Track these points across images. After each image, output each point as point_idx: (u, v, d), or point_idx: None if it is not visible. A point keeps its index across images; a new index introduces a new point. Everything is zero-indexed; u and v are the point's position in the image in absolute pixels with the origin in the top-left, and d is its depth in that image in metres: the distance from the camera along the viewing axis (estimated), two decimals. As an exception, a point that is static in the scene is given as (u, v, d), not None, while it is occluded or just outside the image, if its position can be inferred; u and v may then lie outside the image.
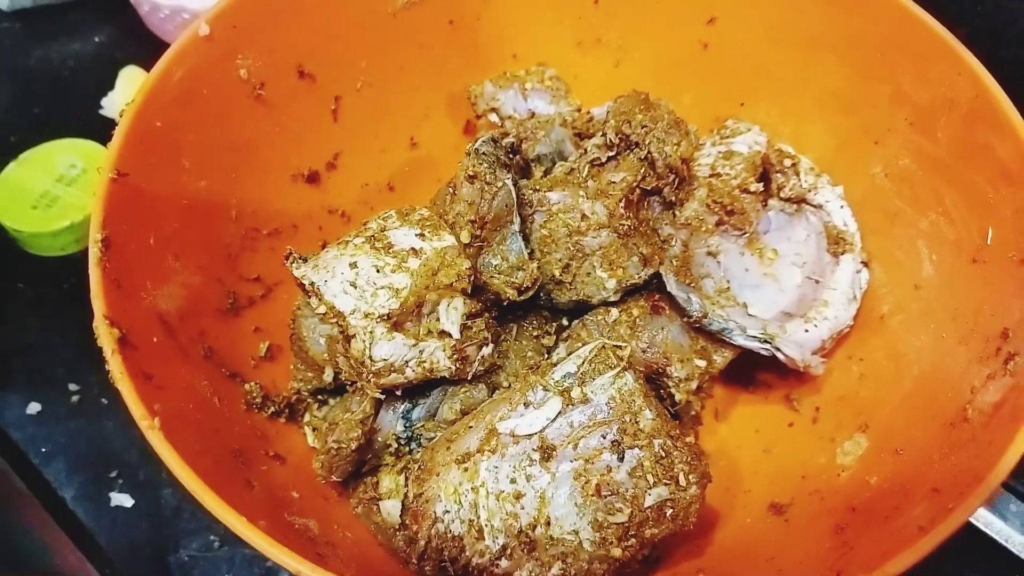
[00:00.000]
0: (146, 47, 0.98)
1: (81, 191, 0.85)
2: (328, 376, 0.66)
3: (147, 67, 0.61)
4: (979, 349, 0.57)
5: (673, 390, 0.65)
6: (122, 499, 0.73)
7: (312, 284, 0.56)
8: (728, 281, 0.68)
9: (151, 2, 0.96)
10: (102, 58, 1.02)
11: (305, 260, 0.59)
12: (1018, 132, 0.57)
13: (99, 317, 0.49)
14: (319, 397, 0.69)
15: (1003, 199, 0.58)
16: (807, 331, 0.67)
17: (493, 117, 0.78)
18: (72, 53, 1.03)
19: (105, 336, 0.48)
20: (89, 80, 0.99)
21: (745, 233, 0.69)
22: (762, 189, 0.72)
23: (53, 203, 0.83)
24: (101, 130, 0.75)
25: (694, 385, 0.65)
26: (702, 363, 0.66)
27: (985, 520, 0.67)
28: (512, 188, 0.61)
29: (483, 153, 0.60)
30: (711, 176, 0.71)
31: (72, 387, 0.78)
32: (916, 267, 0.66)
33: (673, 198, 0.67)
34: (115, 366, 0.48)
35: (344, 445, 0.59)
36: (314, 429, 0.67)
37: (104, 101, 0.96)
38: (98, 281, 0.50)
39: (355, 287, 0.55)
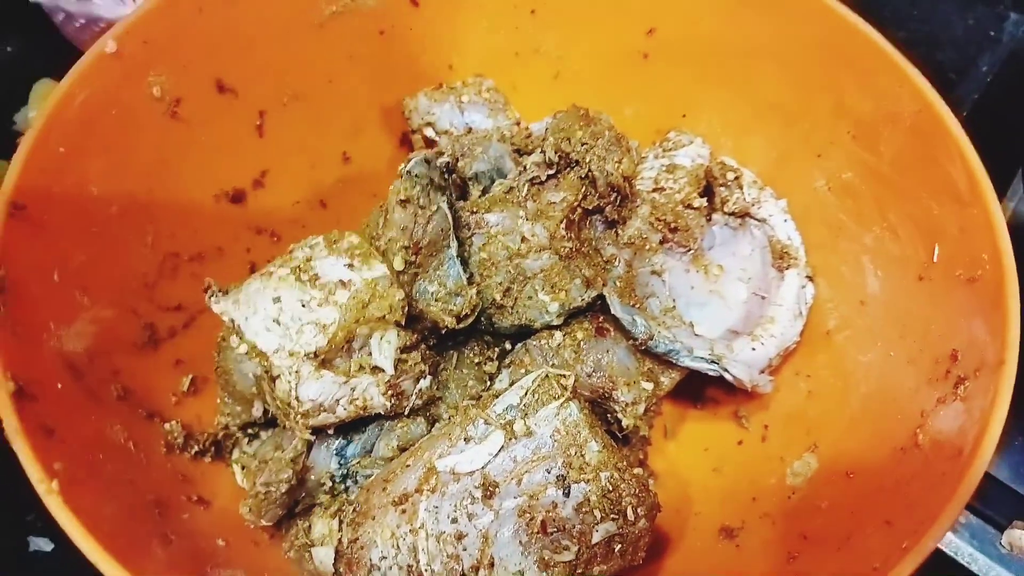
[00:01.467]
0: (63, 58, 0.92)
1: (-12, 214, 0.79)
2: (258, 411, 0.62)
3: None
4: (928, 370, 0.56)
5: (620, 415, 0.62)
6: (40, 543, 0.68)
7: (232, 321, 0.52)
8: (674, 300, 0.66)
9: (65, 11, 0.90)
10: (14, 70, 0.96)
11: (226, 293, 0.55)
12: (962, 149, 0.56)
13: (-8, 369, 0.44)
14: (248, 431, 0.65)
15: (949, 216, 0.57)
16: (754, 349, 0.65)
17: (429, 132, 0.75)
18: (-21, 64, 0.97)
19: (-1, 390, 0.44)
20: (-1, 93, 0.93)
21: (690, 250, 0.68)
22: (706, 204, 0.70)
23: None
24: (12, 148, 0.70)
25: (641, 409, 0.63)
26: (649, 386, 0.64)
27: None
28: (448, 211, 0.58)
29: (416, 175, 0.57)
30: (654, 191, 0.69)
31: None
32: (861, 283, 0.65)
33: (615, 216, 0.65)
34: (9, 422, 0.43)
35: (274, 488, 0.55)
36: (243, 467, 0.63)
37: (17, 116, 0.90)
38: (-10, 329, 0.46)
39: (279, 324, 0.51)
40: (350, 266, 0.54)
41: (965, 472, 0.45)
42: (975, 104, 0.95)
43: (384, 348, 0.53)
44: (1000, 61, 1.00)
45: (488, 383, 0.63)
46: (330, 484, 0.59)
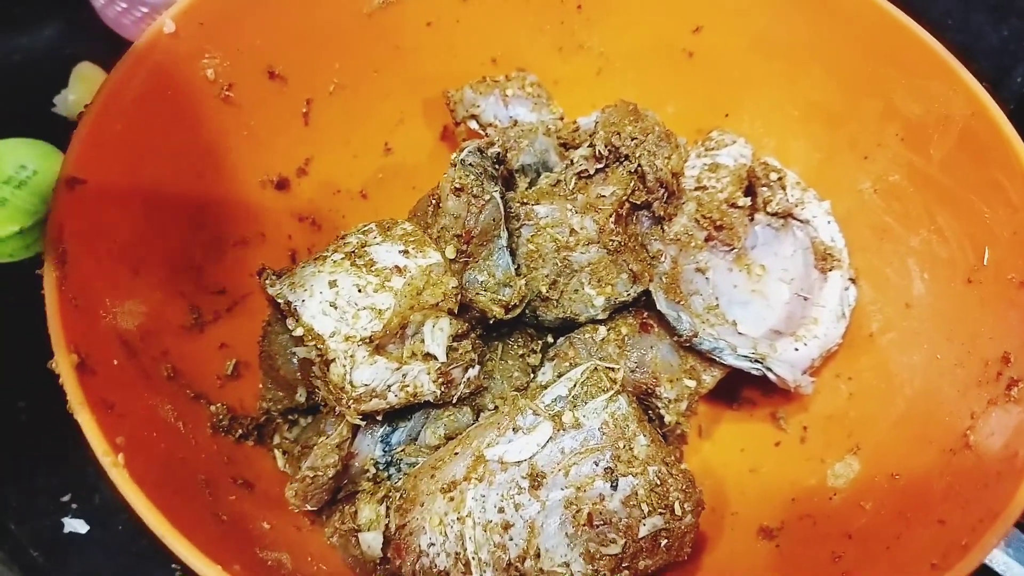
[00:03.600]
0: (101, 42, 0.92)
1: (31, 194, 0.79)
2: (301, 396, 0.62)
3: (102, 63, 0.57)
4: (977, 372, 0.56)
5: (663, 411, 0.62)
6: (76, 525, 0.68)
7: (288, 303, 0.52)
8: (717, 298, 0.66)
9: (106, -5, 0.91)
10: (53, 54, 0.96)
11: (279, 276, 0.55)
12: (1016, 153, 0.56)
13: (57, 342, 0.44)
14: (289, 417, 0.65)
15: (1000, 220, 0.57)
16: (797, 350, 0.65)
17: (473, 124, 0.75)
18: (19, 48, 0.97)
19: (63, 362, 0.44)
20: (39, 77, 0.92)
21: (734, 248, 0.68)
22: (749, 203, 0.70)
23: (1, 207, 0.78)
24: (53, 129, 0.70)
25: (684, 406, 0.63)
26: (692, 383, 0.64)
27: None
28: (500, 201, 0.58)
29: (470, 164, 0.57)
30: (697, 189, 0.69)
31: (21, 404, 0.73)
32: (907, 285, 0.65)
33: (662, 212, 0.64)
34: (74, 395, 0.43)
35: (320, 472, 0.55)
36: (284, 452, 0.63)
37: (56, 99, 0.90)
38: (55, 302, 0.46)
39: (335, 308, 0.51)
40: (405, 252, 0.54)
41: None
42: (1011, 113, 0.95)
43: (437, 336, 0.53)
44: (1035, 72, 1.00)
45: (532, 374, 0.63)
46: (374, 471, 0.58)
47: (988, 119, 0.59)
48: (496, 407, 0.59)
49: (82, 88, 0.89)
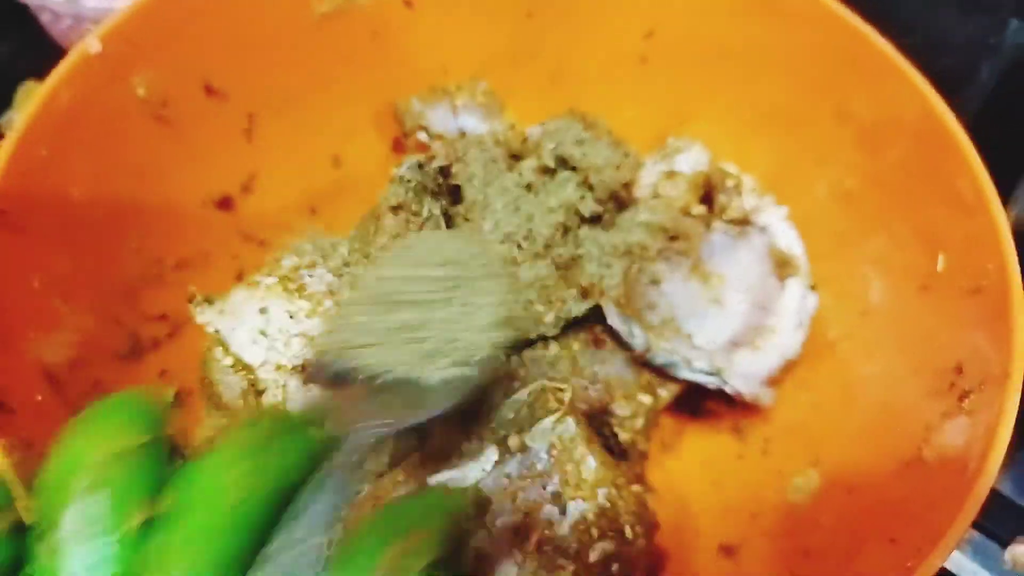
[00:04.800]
0: (50, 59, 0.90)
1: (-30, 218, 0.77)
2: (244, 423, 0.60)
3: (49, 82, 0.55)
4: (932, 383, 0.54)
5: (618, 429, 0.61)
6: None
7: (217, 332, 0.50)
8: (673, 310, 0.65)
9: (51, 11, 0.88)
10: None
11: (211, 303, 0.53)
12: (967, 156, 0.55)
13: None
14: (236, 444, 0.63)
15: (953, 224, 0.56)
16: (755, 361, 0.64)
17: (422, 136, 0.73)
18: (-37, 64, 0.95)
19: (-27, 403, 0.42)
20: (-16, 95, 0.91)
21: (689, 258, 0.66)
22: (705, 211, 0.69)
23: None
24: (-1, 151, 0.68)
25: (640, 423, 0.61)
26: (647, 399, 0.62)
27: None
28: (441, 217, 0.56)
29: (408, 180, 0.56)
30: (652, 197, 0.68)
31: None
32: (863, 292, 0.64)
33: (613, 224, 0.63)
34: (-15, 437, 0.42)
35: (260, 504, 0.53)
36: (230, 481, 0.61)
37: (1, 119, 0.88)
38: (-34, 340, 0.44)
39: (265, 336, 0.50)
40: (339, 275, 0.52)
41: (971, 488, 0.44)
42: (978, 111, 0.94)
43: (374, 360, 0.51)
44: (1002, 68, 0.99)
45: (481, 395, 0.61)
46: (318, 499, 0.57)
47: (938, 121, 0.57)
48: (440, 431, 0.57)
49: (24, 107, 0.87)
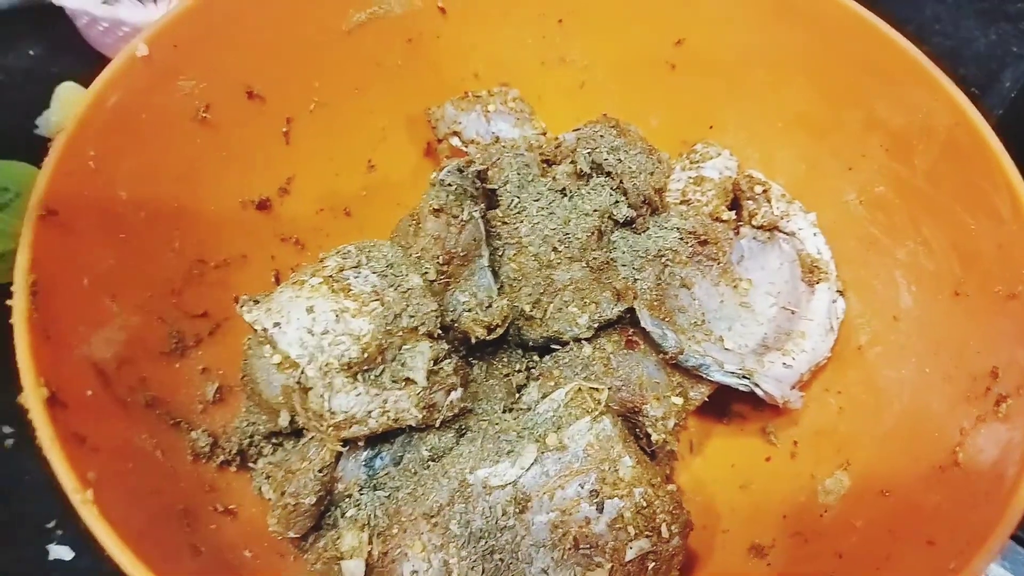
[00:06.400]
0: (85, 62, 0.92)
1: (12, 217, 0.78)
2: (284, 420, 0.61)
3: (85, 83, 0.57)
4: (966, 387, 0.55)
5: (650, 429, 0.62)
6: (61, 552, 0.67)
7: (265, 331, 0.51)
8: (703, 314, 0.66)
9: (88, 14, 0.90)
10: (36, 73, 0.96)
11: (257, 302, 0.54)
12: (1001, 164, 0.56)
13: (26, 375, 0.44)
14: (273, 440, 0.64)
15: (986, 231, 0.57)
16: (785, 364, 0.65)
17: (455, 141, 0.74)
18: (3, 67, 0.97)
19: (32, 397, 0.43)
20: (22, 97, 0.92)
21: (719, 263, 0.67)
22: (734, 217, 0.70)
23: (-19, 230, 0.77)
24: (36, 151, 0.70)
25: (671, 423, 0.62)
26: (679, 400, 0.63)
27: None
28: (480, 221, 0.57)
29: (448, 184, 0.56)
30: (681, 203, 0.69)
31: (6, 429, 0.72)
32: (894, 298, 0.64)
33: (646, 228, 0.64)
34: (43, 431, 0.43)
35: (302, 499, 0.54)
36: (267, 476, 0.62)
37: (39, 120, 0.90)
38: (25, 334, 0.45)
39: (312, 335, 0.50)
40: (383, 276, 0.53)
41: (1013, 494, 0.44)
42: (999, 119, 0.95)
43: (417, 360, 0.52)
44: (1023, 76, 1.00)
45: (517, 395, 0.62)
46: (358, 495, 0.57)
47: (971, 129, 0.58)
48: (480, 429, 0.58)
49: (65, 109, 0.88)
